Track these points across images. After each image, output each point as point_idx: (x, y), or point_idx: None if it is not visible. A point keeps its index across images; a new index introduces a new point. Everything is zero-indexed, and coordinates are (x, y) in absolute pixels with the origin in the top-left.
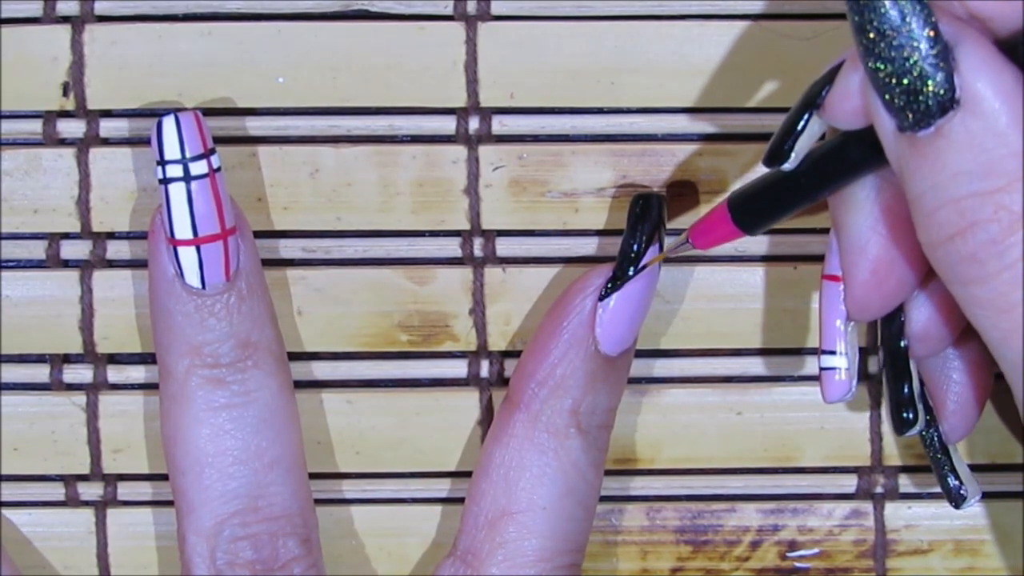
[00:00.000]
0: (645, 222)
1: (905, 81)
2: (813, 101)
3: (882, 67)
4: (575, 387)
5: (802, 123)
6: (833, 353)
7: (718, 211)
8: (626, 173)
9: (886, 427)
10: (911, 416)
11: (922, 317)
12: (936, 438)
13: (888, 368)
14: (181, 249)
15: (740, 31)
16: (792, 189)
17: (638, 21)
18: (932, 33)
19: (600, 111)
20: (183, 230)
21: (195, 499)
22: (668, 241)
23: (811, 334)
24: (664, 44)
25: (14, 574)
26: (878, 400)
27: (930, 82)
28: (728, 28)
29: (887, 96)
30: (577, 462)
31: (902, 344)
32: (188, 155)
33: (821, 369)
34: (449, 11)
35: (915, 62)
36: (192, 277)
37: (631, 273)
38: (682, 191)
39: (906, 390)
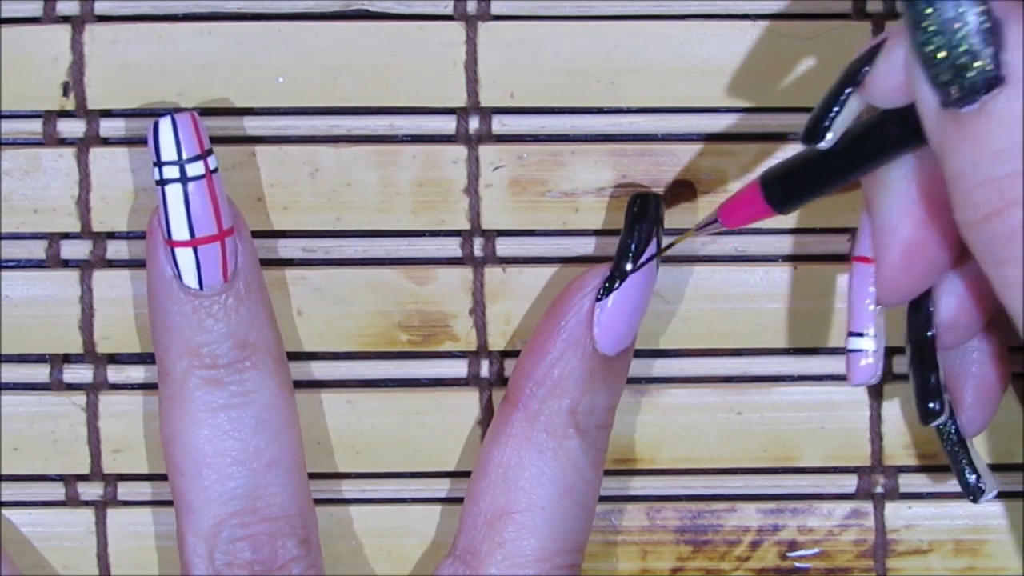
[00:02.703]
0: (643, 221)
1: (952, 57)
2: (853, 78)
3: (931, 42)
4: (573, 387)
5: (841, 101)
6: (861, 335)
7: (749, 189)
8: (626, 173)
9: (886, 427)
10: (937, 407)
11: (952, 305)
12: (954, 431)
13: (914, 358)
14: (178, 250)
15: (740, 31)
16: (827, 167)
17: (638, 21)
18: (982, 9)
19: (600, 111)
20: (180, 231)
21: (194, 500)
22: (666, 239)
23: (811, 334)
24: (664, 44)
25: (14, 574)
26: (878, 400)
27: (978, 58)
28: (728, 28)
29: (933, 72)
30: (576, 462)
31: (929, 334)
32: (185, 156)
33: (848, 351)
34: (449, 11)
35: (964, 37)
36: (190, 278)
37: (630, 268)
38: (682, 191)
39: (932, 380)
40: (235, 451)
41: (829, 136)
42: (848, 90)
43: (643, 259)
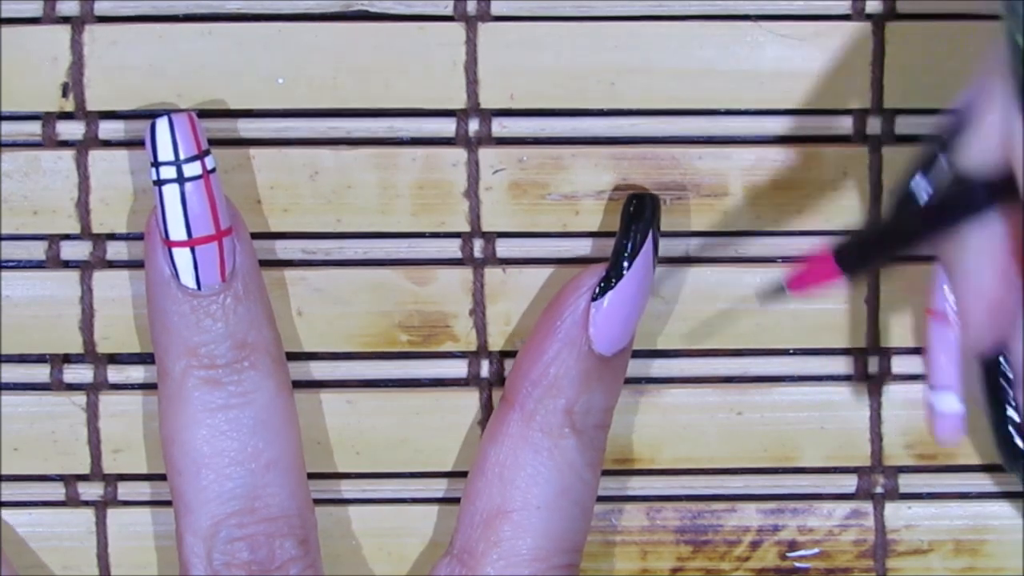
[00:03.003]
0: (638, 221)
1: None
2: (944, 145)
3: None
4: (569, 387)
5: (934, 163)
6: (948, 392)
7: (821, 258)
8: (626, 176)
9: (886, 427)
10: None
11: None
12: None
13: (989, 401)
14: (176, 250)
15: (741, 32)
16: (906, 232)
17: (638, 22)
18: None
19: (601, 113)
20: (177, 231)
21: (192, 500)
22: (666, 243)
23: (810, 334)
24: (664, 44)
25: (13, 575)
26: (878, 400)
27: None
28: (729, 29)
29: None
30: (572, 462)
31: (1002, 378)
32: (182, 157)
33: (934, 408)
34: (449, 11)
35: None
36: (187, 278)
37: (626, 267)
38: (683, 194)
39: (1009, 426)
40: (233, 451)
41: (924, 197)
42: (938, 155)
43: (639, 258)
